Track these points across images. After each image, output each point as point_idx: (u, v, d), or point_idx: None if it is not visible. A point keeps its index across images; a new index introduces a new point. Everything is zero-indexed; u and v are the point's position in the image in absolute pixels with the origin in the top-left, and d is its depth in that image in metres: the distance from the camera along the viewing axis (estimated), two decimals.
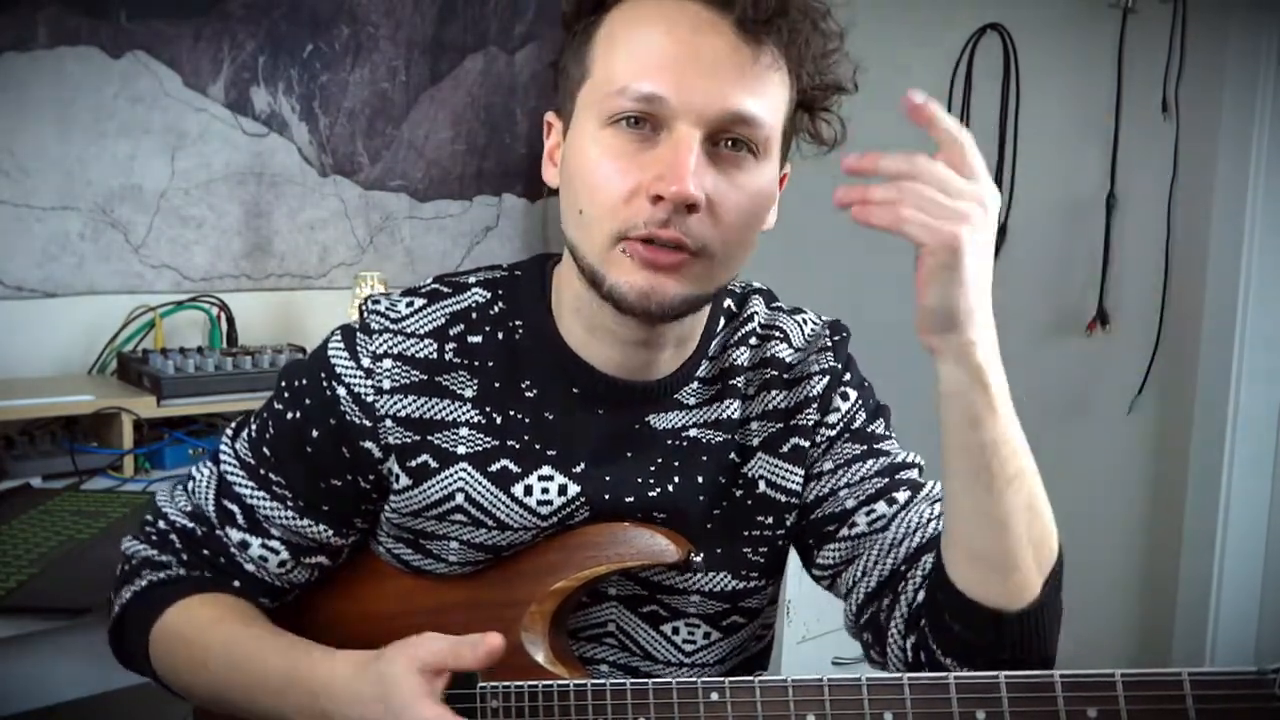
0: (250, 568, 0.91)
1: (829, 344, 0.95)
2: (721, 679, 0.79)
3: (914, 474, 0.93)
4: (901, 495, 0.90)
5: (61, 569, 1.17)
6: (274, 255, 2.02)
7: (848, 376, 0.95)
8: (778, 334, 0.94)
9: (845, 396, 0.94)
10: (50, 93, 1.73)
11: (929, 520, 0.88)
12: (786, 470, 0.92)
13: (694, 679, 0.81)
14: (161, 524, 0.93)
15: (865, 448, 0.93)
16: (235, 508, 0.90)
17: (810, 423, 0.92)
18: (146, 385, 1.61)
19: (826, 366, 0.94)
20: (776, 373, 0.93)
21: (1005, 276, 2.12)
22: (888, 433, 0.96)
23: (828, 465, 0.92)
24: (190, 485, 0.93)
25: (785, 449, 0.92)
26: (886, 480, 0.91)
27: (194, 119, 1.89)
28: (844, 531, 0.90)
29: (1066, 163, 2.14)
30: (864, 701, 0.75)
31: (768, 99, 0.79)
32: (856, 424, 0.94)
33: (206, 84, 1.90)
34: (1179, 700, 0.63)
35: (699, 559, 0.87)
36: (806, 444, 0.93)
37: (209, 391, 1.63)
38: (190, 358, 1.66)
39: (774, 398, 0.93)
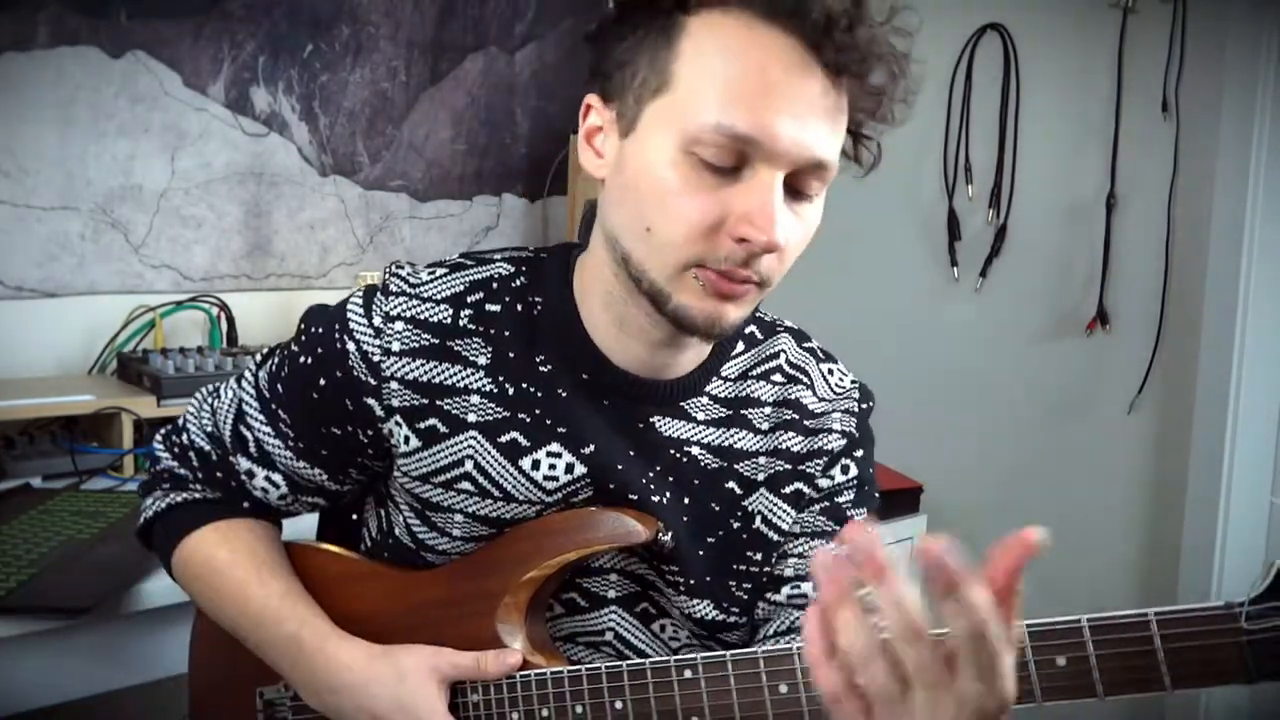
0: (257, 494, 0.96)
1: (856, 408, 0.95)
2: (694, 656, 0.80)
3: None
4: None
5: (61, 569, 1.17)
6: (274, 255, 2.02)
7: (859, 453, 0.95)
8: (804, 379, 0.95)
9: (845, 470, 0.94)
10: (50, 93, 1.73)
11: None
12: (783, 510, 0.93)
13: (667, 658, 0.81)
14: (184, 438, 0.99)
15: (835, 528, 0.93)
16: (248, 435, 0.95)
17: (815, 472, 0.93)
18: (146, 385, 1.61)
19: (846, 430, 0.94)
20: (797, 416, 0.93)
21: (1005, 276, 2.14)
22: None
23: (796, 528, 0.93)
24: (215, 404, 0.98)
25: (787, 490, 0.93)
26: None
27: (194, 119, 1.89)
28: (769, 593, 0.93)
29: (1066, 163, 2.14)
30: None
31: (839, 138, 0.79)
32: (840, 499, 0.94)
33: (206, 84, 1.90)
34: (1147, 641, 0.63)
35: (668, 537, 0.87)
36: (808, 490, 0.93)
37: None
38: (190, 358, 1.66)
39: (789, 439, 0.93)
